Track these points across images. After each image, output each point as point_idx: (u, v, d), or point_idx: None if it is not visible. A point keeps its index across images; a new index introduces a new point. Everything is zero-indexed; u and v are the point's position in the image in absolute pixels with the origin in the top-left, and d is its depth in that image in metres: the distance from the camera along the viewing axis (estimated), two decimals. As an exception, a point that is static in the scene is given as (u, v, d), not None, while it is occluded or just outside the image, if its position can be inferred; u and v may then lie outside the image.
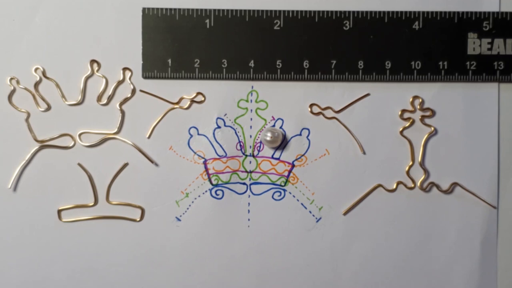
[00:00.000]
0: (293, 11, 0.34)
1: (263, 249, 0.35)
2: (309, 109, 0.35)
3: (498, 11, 0.35)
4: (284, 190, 0.35)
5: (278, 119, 0.35)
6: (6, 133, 0.35)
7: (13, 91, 0.35)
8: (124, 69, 0.35)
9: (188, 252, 0.35)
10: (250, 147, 0.35)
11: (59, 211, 0.35)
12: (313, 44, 0.34)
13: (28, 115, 0.35)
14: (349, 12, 0.34)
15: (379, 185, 0.35)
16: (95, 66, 0.35)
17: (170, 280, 0.35)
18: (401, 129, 0.35)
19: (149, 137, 0.35)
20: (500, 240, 0.35)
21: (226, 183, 0.35)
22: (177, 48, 0.35)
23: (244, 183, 0.35)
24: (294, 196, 0.35)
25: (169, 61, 0.35)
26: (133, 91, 0.35)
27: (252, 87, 0.35)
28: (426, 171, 0.35)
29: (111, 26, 0.35)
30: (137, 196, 0.35)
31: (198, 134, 0.35)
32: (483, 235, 0.35)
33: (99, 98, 0.35)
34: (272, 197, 0.35)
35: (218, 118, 0.35)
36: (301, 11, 0.34)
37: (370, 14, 0.34)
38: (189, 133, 0.35)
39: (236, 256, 0.35)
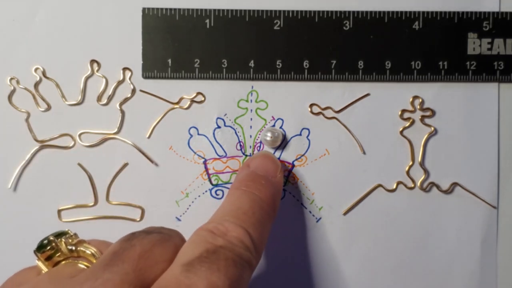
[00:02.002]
0: (293, 11, 0.34)
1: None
2: (309, 109, 0.35)
3: (498, 11, 0.35)
4: (284, 190, 0.35)
5: (278, 119, 0.35)
6: (6, 133, 0.35)
7: (13, 91, 0.35)
8: (124, 69, 0.35)
9: (188, 252, 0.35)
10: (250, 147, 0.35)
11: (59, 211, 0.35)
12: (313, 44, 0.34)
13: (28, 115, 0.35)
14: (349, 12, 0.34)
15: (379, 185, 0.35)
16: (95, 66, 0.35)
17: (170, 280, 0.35)
18: (401, 129, 0.35)
19: (149, 137, 0.35)
20: (500, 240, 0.35)
21: (226, 183, 0.35)
22: (177, 48, 0.35)
23: (244, 183, 0.35)
24: (294, 196, 0.35)
25: (169, 61, 0.35)
26: (133, 91, 0.35)
27: (252, 87, 0.35)
28: (426, 171, 0.35)
29: (111, 26, 0.35)
30: (137, 196, 0.35)
31: (198, 134, 0.35)
32: (483, 235, 0.35)
33: (99, 98, 0.35)
34: (272, 197, 0.35)
35: (218, 118, 0.35)
36: (301, 11, 0.34)
37: (370, 14, 0.34)
38: (189, 133, 0.35)
39: (236, 256, 0.35)
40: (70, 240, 0.25)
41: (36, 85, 0.35)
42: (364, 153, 0.35)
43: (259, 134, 0.35)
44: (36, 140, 0.35)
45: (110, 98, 0.35)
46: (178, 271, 0.21)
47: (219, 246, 0.23)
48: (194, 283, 0.20)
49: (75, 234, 0.26)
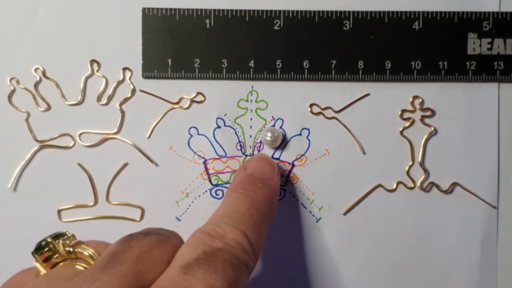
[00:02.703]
0: (293, 11, 0.34)
1: (263, 249, 0.35)
2: (309, 109, 0.35)
3: (498, 11, 0.35)
4: (284, 190, 0.35)
5: (278, 119, 0.35)
6: (6, 133, 0.35)
7: (13, 91, 0.35)
8: (124, 69, 0.35)
9: (188, 252, 0.35)
10: (250, 147, 0.35)
11: (59, 211, 0.35)
12: (313, 44, 0.34)
13: (28, 115, 0.35)
14: (349, 12, 0.34)
15: (379, 185, 0.35)
16: (95, 66, 0.35)
17: (170, 280, 0.35)
18: (401, 129, 0.35)
19: (149, 137, 0.35)
20: (500, 240, 0.35)
21: (226, 183, 0.35)
22: (177, 48, 0.35)
23: (244, 183, 0.35)
24: (294, 196, 0.35)
25: (169, 61, 0.35)
26: (133, 91, 0.35)
27: (252, 87, 0.35)
28: (426, 171, 0.35)
29: (111, 26, 0.35)
30: (137, 196, 0.35)
31: (198, 134, 0.35)
32: (483, 235, 0.35)
33: (99, 98, 0.35)
34: (272, 197, 0.35)
35: (218, 118, 0.35)
36: (301, 11, 0.34)
37: (370, 14, 0.34)
38: (189, 133, 0.35)
39: (236, 256, 0.35)
40: (68, 242, 0.25)
41: (36, 85, 0.35)
42: (364, 153, 0.35)
43: (259, 134, 0.35)
44: (36, 140, 0.35)
45: (110, 98, 0.35)
46: (176, 273, 0.21)
47: (217, 249, 0.23)
48: (192, 285, 0.20)
49: (73, 235, 0.26)
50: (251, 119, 0.35)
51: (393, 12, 0.34)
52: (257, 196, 0.29)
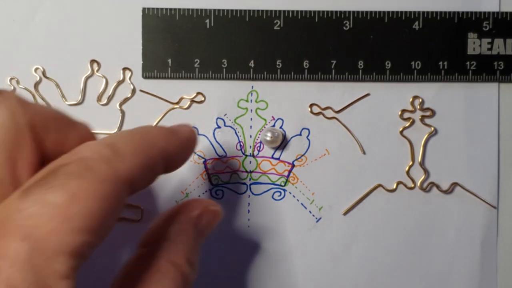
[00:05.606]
0: (293, 11, 0.34)
1: (263, 249, 0.35)
2: (309, 109, 0.35)
3: (498, 11, 0.35)
4: (284, 190, 0.35)
5: (278, 119, 0.35)
6: (6, 133, 0.35)
7: (13, 91, 0.35)
8: (124, 69, 0.35)
9: (188, 252, 0.35)
10: (250, 147, 0.35)
11: (59, 211, 0.35)
12: (313, 44, 0.34)
13: (28, 115, 0.35)
14: (349, 12, 0.34)
15: (379, 185, 0.35)
16: (95, 66, 0.35)
17: (170, 280, 0.35)
18: (401, 129, 0.35)
19: (149, 137, 0.35)
20: (500, 240, 0.35)
21: (226, 183, 0.35)
22: (177, 48, 0.35)
23: (244, 183, 0.35)
24: (294, 196, 0.35)
25: (169, 61, 0.35)
26: (133, 91, 0.35)
27: (252, 87, 0.35)
28: (426, 171, 0.35)
29: (111, 26, 0.35)
30: (137, 196, 0.35)
31: (198, 134, 0.35)
32: (483, 235, 0.35)
33: (99, 98, 0.35)
34: (272, 197, 0.35)
35: (218, 118, 0.35)
36: (301, 11, 0.34)
37: (370, 14, 0.34)
38: (189, 133, 0.35)
39: (236, 256, 0.35)
40: None
41: (36, 85, 0.35)
42: (364, 153, 0.35)
43: (259, 134, 0.35)
44: (36, 140, 0.35)
45: (110, 98, 0.35)
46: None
47: (61, 165, 0.19)
48: (25, 209, 0.18)
49: None
50: (251, 119, 0.35)
51: (393, 12, 0.34)
52: None
